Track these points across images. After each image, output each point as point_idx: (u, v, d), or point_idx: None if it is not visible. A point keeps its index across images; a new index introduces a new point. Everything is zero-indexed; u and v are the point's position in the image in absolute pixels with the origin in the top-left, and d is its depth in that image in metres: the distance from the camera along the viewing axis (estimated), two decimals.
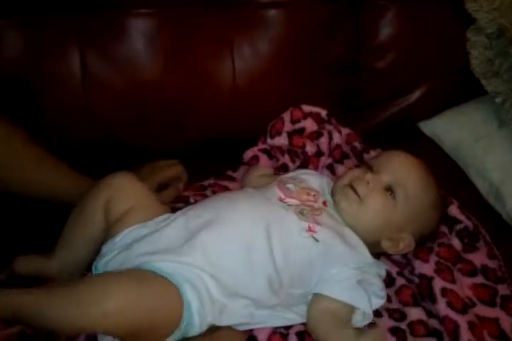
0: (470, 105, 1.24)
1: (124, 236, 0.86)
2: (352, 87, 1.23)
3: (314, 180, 0.99)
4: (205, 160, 1.13)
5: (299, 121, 1.11)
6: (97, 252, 0.87)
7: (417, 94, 1.24)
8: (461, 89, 1.24)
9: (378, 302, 0.88)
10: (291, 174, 1.03)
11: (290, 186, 0.95)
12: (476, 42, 1.17)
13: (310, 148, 1.09)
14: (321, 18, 1.17)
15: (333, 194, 0.95)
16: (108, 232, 0.87)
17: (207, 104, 1.15)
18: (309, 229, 0.87)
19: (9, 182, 0.96)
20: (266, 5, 1.14)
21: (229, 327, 0.82)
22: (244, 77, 1.14)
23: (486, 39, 1.16)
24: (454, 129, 1.21)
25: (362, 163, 1.02)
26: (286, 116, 1.12)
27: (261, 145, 1.09)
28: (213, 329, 0.81)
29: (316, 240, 0.86)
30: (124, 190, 0.89)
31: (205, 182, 1.09)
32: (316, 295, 0.85)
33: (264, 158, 1.06)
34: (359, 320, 0.86)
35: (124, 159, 1.01)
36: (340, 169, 1.10)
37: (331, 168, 1.11)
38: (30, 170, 0.97)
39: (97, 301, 0.71)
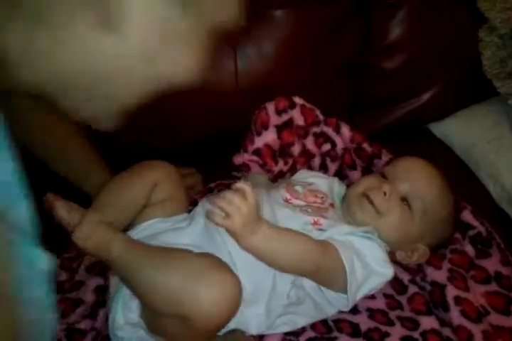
0: (482, 107, 1.22)
1: (143, 229, 0.87)
2: (361, 87, 1.22)
3: (323, 182, 0.98)
4: (208, 162, 1.11)
5: (285, 110, 1.01)
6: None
7: (427, 95, 1.22)
8: (472, 90, 1.23)
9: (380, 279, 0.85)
10: (301, 175, 1.01)
11: (298, 188, 0.93)
12: (488, 43, 1.15)
13: (297, 147, 1.02)
14: (329, 17, 1.14)
15: (347, 202, 0.93)
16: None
17: (208, 104, 1.12)
18: (314, 223, 0.85)
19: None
20: (271, 3, 1.11)
21: (241, 332, 0.81)
22: (248, 78, 1.12)
23: (498, 39, 1.14)
24: (465, 131, 1.19)
25: (372, 167, 0.99)
26: (270, 106, 1.00)
27: (252, 156, 1.01)
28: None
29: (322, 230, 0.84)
30: (171, 179, 0.90)
31: (213, 184, 1.09)
32: None
33: (255, 168, 1.02)
34: None
35: (125, 159, 0.99)
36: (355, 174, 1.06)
37: (343, 175, 1.07)
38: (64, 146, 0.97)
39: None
